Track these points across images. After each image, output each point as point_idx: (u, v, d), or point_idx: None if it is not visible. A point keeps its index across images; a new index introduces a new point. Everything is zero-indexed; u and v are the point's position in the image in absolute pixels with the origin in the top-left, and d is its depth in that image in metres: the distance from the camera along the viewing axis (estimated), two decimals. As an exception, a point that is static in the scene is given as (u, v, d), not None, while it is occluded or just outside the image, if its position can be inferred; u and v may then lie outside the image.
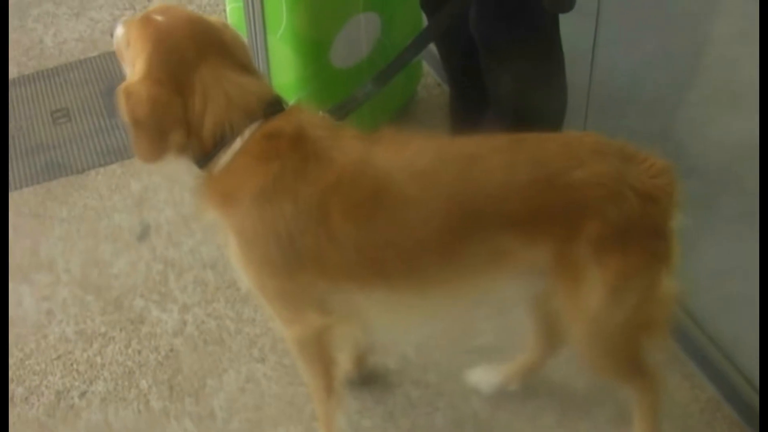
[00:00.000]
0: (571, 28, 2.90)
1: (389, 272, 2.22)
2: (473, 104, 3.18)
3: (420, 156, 2.17)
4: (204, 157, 2.18)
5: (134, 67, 2.15)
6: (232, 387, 2.91)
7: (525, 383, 2.80)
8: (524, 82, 2.89)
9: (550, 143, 2.21)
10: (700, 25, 3.71)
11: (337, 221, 2.11)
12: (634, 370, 2.44)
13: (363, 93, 2.52)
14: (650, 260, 2.20)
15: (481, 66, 2.97)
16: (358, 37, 3.20)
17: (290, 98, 2.24)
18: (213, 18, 2.25)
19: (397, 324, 2.52)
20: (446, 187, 2.13)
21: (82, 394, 2.94)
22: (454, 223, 2.14)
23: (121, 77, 2.25)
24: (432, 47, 3.70)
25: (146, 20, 2.16)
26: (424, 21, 3.34)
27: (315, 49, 3.13)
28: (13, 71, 4.28)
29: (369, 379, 2.87)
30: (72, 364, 3.03)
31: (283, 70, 3.13)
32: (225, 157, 2.15)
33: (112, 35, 2.29)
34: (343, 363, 2.72)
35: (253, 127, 2.14)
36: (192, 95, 2.11)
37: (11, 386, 2.96)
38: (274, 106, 2.20)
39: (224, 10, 3.46)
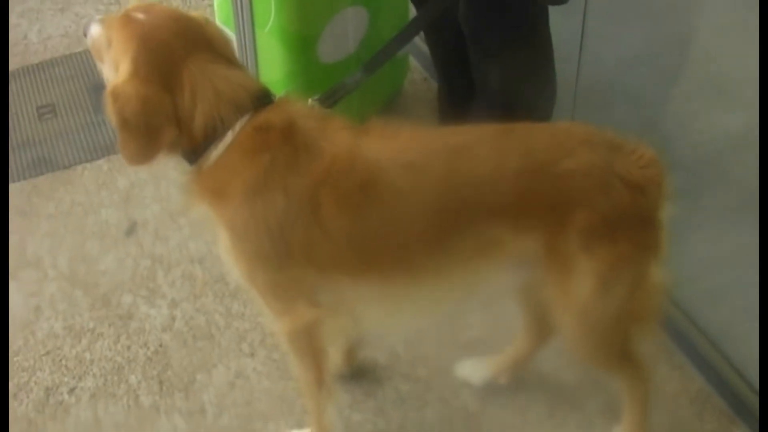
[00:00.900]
0: (559, 21, 2.91)
1: (379, 264, 2.23)
2: (461, 97, 3.18)
3: (409, 147, 2.18)
4: (194, 153, 2.18)
5: (118, 67, 2.13)
6: (221, 382, 2.90)
7: (515, 376, 2.80)
8: (513, 75, 2.89)
9: (539, 133, 2.23)
10: (686, 18, 3.72)
11: (328, 213, 2.12)
12: (623, 361, 2.44)
13: (352, 81, 2.52)
14: (639, 250, 2.21)
15: (470, 59, 2.97)
16: (346, 32, 3.20)
17: (278, 93, 2.23)
18: (194, 13, 2.25)
19: (387, 315, 2.50)
20: (435, 178, 2.14)
21: (71, 390, 2.93)
22: (444, 214, 2.15)
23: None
24: (420, 41, 3.71)
25: (127, 19, 2.15)
26: (412, 13, 3.33)
27: (303, 44, 3.13)
28: (-3, 67, 4.26)
29: (359, 373, 2.87)
30: (61, 360, 3.02)
31: (271, 65, 3.13)
32: (216, 152, 2.15)
33: (85, 34, 2.27)
34: (333, 357, 2.73)
35: (244, 120, 2.14)
36: (181, 92, 2.11)
37: (-1, 383, 2.95)
38: (263, 98, 2.20)
39: (210, 5, 3.45)
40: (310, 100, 2.36)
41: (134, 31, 2.12)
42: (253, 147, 2.13)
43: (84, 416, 2.87)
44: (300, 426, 2.70)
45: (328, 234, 2.14)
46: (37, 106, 4.02)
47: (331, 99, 2.45)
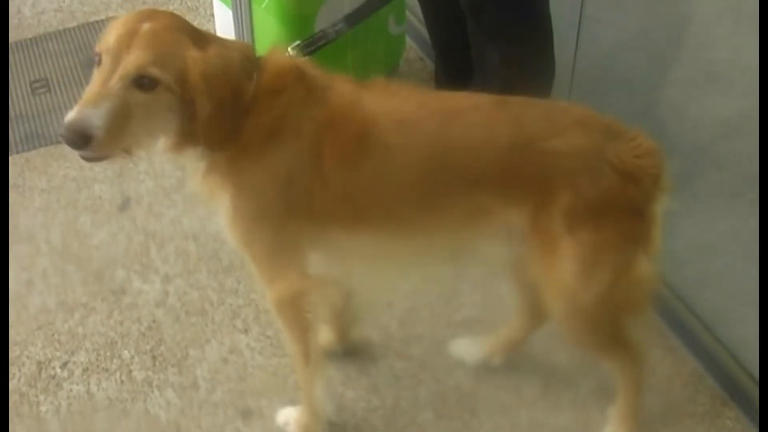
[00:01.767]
0: (558, 4, 2.92)
1: (370, 217, 2.26)
2: (459, 78, 3.18)
3: (405, 105, 2.21)
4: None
5: (171, 63, 2.03)
6: (215, 357, 2.90)
7: (508, 356, 2.81)
8: (511, 55, 2.90)
9: (533, 108, 2.23)
10: (683, 4, 3.73)
11: (328, 161, 2.16)
12: (614, 346, 2.45)
13: (333, 31, 2.56)
14: (624, 239, 2.20)
15: (469, 38, 2.97)
16: (341, 8, 3.17)
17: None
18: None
19: (377, 270, 2.56)
20: (426, 137, 2.17)
21: (64, 365, 2.92)
22: (432, 174, 2.18)
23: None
24: (417, 21, 3.70)
25: (151, 26, 2.06)
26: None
27: (300, 20, 3.12)
28: (-10, 41, 4.24)
29: (352, 351, 2.88)
30: (53, 335, 3.01)
31: (268, 43, 3.09)
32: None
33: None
34: (327, 334, 2.75)
35: (256, 74, 2.15)
36: None
37: (-10, 356, 2.94)
38: (258, 55, 2.24)
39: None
40: (290, 48, 2.39)
41: (163, 29, 2.06)
42: (272, 89, 2.14)
43: (76, 390, 2.86)
44: (293, 403, 2.70)
45: (326, 183, 2.18)
46: (30, 80, 4.01)
47: (311, 47, 2.51)
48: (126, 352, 2.95)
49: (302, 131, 2.16)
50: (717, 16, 3.67)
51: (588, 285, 2.22)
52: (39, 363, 2.93)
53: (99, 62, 2.04)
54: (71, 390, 2.86)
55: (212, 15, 3.92)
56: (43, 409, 2.82)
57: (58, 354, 2.96)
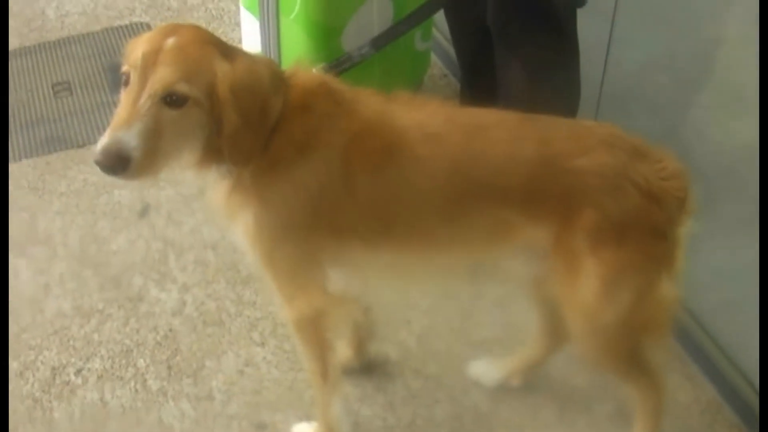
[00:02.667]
0: (587, 23, 2.89)
1: (394, 229, 2.25)
2: (484, 96, 3.14)
3: (433, 118, 2.21)
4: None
5: (200, 75, 2.01)
6: (231, 369, 2.89)
7: (526, 378, 2.79)
8: (537, 73, 2.88)
9: (559, 126, 2.22)
10: (710, 26, 3.70)
11: (357, 172, 2.15)
12: (634, 369, 2.43)
13: (358, 53, 2.56)
14: (647, 260, 2.19)
15: (495, 56, 2.96)
16: (371, 23, 3.18)
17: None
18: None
19: (397, 283, 2.55)
20: (452, 150, 2.16)
21: (78, 371, 2.91)
22: (457, 188, 2.17)
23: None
24: (442, 38, 3.69)
25: (174, 43, 2.03)
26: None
27: (327, 33, 3.11)
28: (14, 42, 4.24)
29: (369, 367, 2.86)
30: (68, 340, 3.00)
31: (294, 53, 3.11)
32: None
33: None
34: (344, 350, 2.73)
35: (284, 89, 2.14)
36: None
37: (5, 360, 2.93)
38: (285, 71, 2.23)
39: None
40: (316, 68, 2.36)
41: (189, 43, 2.03)
42: (302, 105, 2.13)
43: (90, 397, 2.85)
44: (308, 418, 2.68)
45: (353, 196, 2.17)
46: (52, 83, 4.00)
47: (336, 68, 2.49)
48: (141, 360, 2.93)
49: (333, 144, 2.15)
50: (744, 39, 3.64)
51: (609, 305, 2.20)
52: (53, 368, 2.92)
53: (126, 82, 2.02)
54: (85, 397, 2.85)
55: (237, 24, 3.91)
56: (56, 415, 2.80)
57: (72, 360, 2.95)
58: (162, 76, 1.97)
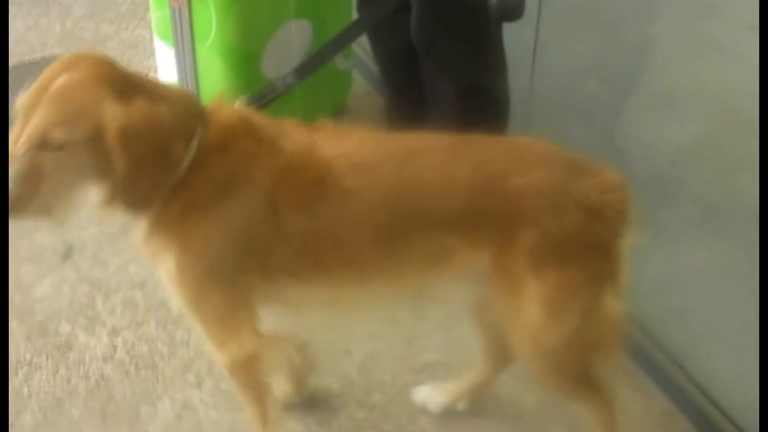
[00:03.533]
0: (512, 33, 2.84)
1: (329, 266, 2.16)
2: (412, 111, 3.08)
3: (361, 147, 2.13)
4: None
5: (99, 115, 1.90)
6: (168, 414, 2.76)
7: (474, 401, 2.71)
8: (466, 86, 2.83)
9: (495, 146, 2.16)
10: (638, 30, 3.69)
11: (285, 211, 2.06)
12: (583, 387, 2.35)
13: (283, 84, 2.46)
14: (591, 278, 2.13)
15: (422, 72, 2.89)
16: (289, 46, 3.10)
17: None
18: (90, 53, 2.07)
19: (333, 318, 2.46)
20: (384, 180, 2.08)
21: (9, 427, 2.77)
22: (392, 218, 2.09)
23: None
24: (364, 55, 3.62)
25: (63, 83, 1.92)
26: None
27: (246, 59, 3.01)
28: None
29: (311, 401, 2.75)
30: (-4, 396, 2.87)
31: (213, 81, 3.01)
32: (185, 163, 2.03)
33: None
34: (283, 385, 2.63)
35: (200, 128, 2.04)
36: None
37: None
38: (204, 106, 2.12)
39: (143, 19, 3.31)
40: (238, 102, 2.26)
41: (80, 82, 1.92)
42: (221, 145, 2.04)
43: (24, 455, 2.72)
44: (251, 459, 2.58)
45: (282, 234, 2.08)
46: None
47: (261, 101, 2.41)
48: (74, 410, 2.79)
49: (256, 182, 2.05)
50: (673, 41, 3.62)
51: (555, 327, 2.14)
52: (-19, 427, 2.78)
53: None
54: (18, 455, 2.72)
55: (153, 52, 3.79)
56: (-14, 478, 2.67)
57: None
58: (39, 120, 1.88)
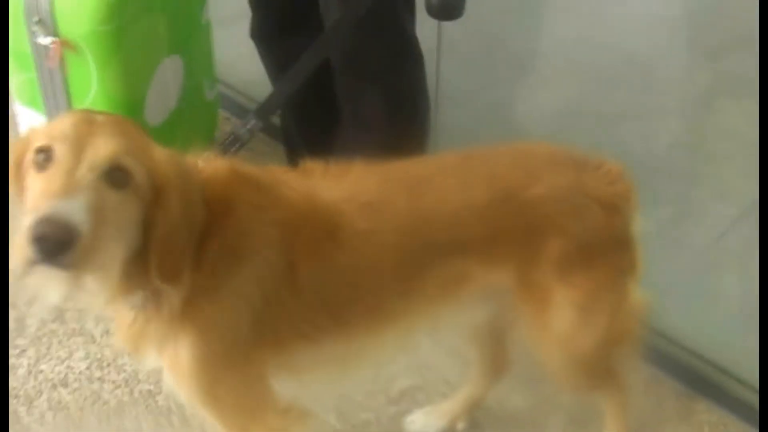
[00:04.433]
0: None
1: (346, 317, 1.98)
2: (322, 131, 2.90)
3: (364, 185, 1.96)
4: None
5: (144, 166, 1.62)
6: None
7: (471, 417, 2.61)
8: (394, 90, 2.71)
9: (502, 158, 2.05)
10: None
11: (301, 266, 1.86)
12: (606, 379, 2.33)
13: (245, 129, 2.21)
14: (617, 273, 2.09)
15: (338, 93, 2.71)
16: (167, 86, 2.83)
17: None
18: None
19: (343, 373, 2.20)
20: (399, 216, 1.93)
21: None
22: (410, 255, 1.95)
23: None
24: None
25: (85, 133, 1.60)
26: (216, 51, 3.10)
27: (130, 109, 2.67)
28: None
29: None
30: None
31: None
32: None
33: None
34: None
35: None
36: None
37: None
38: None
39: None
40: (207, 154, 1.94)
41: (123, 120, 1.69)
42: (224, 201, 1.79)
43: None
44: None
45: (297, 292, 1.87)
46: None
47: (227, 152, 2.13)
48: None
49: (270, 240, 1.83)
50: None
51: (588, 332, 2.09)
52: None
53: (47, 159, 1.56)
54: None
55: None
56: None
57: None
58: (105, 145, 1.56)
